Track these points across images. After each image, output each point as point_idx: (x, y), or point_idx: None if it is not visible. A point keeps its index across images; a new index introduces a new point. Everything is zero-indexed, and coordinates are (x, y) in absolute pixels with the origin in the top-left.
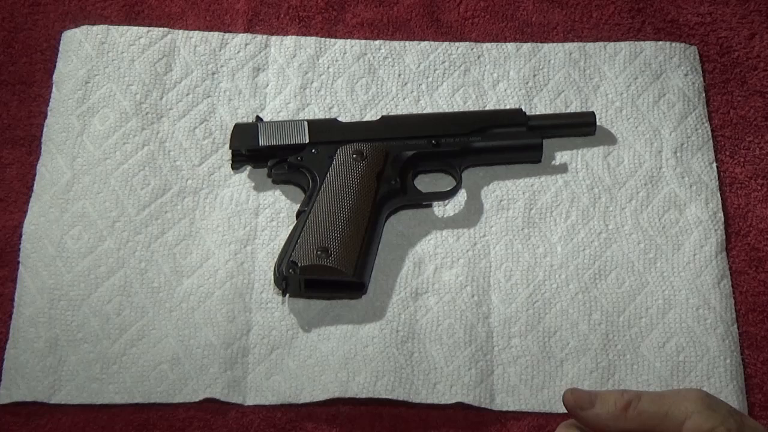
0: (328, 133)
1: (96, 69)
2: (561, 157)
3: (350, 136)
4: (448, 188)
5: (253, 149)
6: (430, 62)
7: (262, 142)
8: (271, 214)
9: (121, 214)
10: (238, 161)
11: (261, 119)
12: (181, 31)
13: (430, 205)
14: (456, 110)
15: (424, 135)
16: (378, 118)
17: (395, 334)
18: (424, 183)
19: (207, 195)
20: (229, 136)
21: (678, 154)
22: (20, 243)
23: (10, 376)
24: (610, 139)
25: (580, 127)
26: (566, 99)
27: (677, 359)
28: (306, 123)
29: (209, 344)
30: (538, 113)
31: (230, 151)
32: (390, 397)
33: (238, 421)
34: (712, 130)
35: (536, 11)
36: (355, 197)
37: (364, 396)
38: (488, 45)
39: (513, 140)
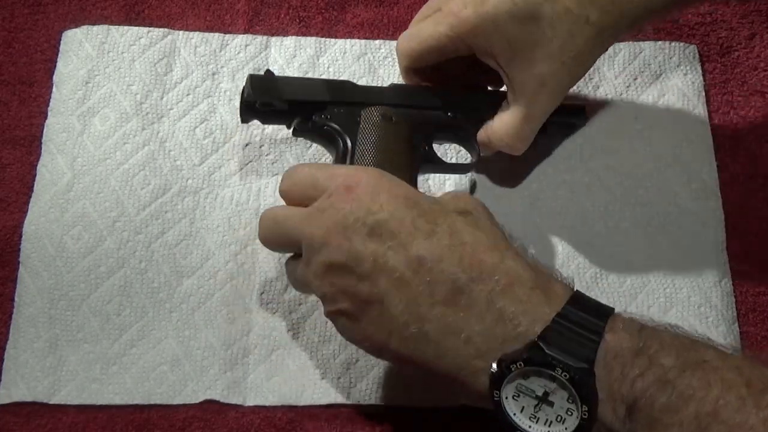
0: (350, 94)
1: (96, 69)
2: (561, 156)
3: (374, 99)
4: (468, 161)
5: (268, 103)
6: None
7: (286, 96)
8: None
9: (121, 214)
10: (248, 114)
11: (272, 73)
12: (181, 32)
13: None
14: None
15: (441, 107)
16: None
17: None
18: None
19: (207, 195)
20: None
21: (678, 154)
22: (20, 243)
23: (10, 376)
24: (610, 138)
25: (570, 118)
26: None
27: None
28: (324, 81)
29: (209, 345)
30: None
31: (240, 102)
32: (392, 404)
33: (238, 421)
34: (712, 130)
35: None
36: (392, 161)
37: (365, 403)
38: None
39: None
